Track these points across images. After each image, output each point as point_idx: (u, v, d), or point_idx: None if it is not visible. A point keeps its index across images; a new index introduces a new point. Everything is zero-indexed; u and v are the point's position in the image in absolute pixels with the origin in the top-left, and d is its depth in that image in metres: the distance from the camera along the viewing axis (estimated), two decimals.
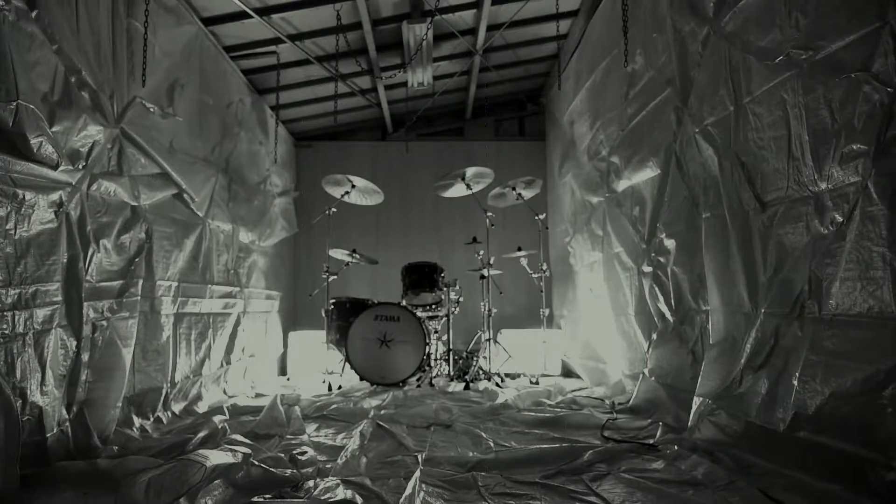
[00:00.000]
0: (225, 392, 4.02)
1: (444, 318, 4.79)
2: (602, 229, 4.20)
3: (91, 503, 1.81)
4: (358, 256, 4.92)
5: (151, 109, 3.04)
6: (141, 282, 2.86)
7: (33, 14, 2.10)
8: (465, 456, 2.25)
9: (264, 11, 4.02)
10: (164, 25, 3.25)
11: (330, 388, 4.31)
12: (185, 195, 3.43)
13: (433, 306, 4.78)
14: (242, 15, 3.94)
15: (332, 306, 4.82)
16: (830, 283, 1.85)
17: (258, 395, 4.03)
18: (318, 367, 5.11)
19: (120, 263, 2.73)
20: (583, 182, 4.71)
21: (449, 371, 4.64)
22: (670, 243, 3.07)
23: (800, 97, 2.00)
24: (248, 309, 4.62)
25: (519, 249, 4.86)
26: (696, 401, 2.48)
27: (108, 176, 2.63)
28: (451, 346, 4.69)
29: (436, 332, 4.88)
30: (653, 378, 3.20)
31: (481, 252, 4.80)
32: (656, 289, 3.21)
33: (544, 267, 4.81)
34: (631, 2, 3.36)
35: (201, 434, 2.55)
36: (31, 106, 2.05)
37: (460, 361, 4.87)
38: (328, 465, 2.12)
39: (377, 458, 2.27)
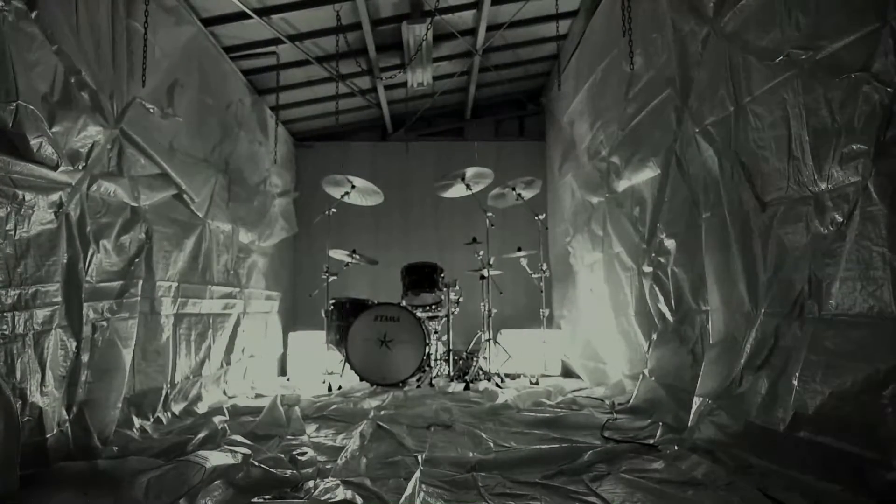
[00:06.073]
0: (225, 392, 4.01)
1: (444, 319, 4.79)
2: (602, 229, 4.20)
3: None
4: (358, 257, 4.92)
5: (151, 110, 3.04)
6: (141, 282, 2.86)
7: (33, 14, 2.10)
8: (465, 456, 2.25)
9: (264, 12, 4.02)
10: (164, 26, 3.25)
11: (330, 389, 4.31)
12: (185, 196, 3.43)
13: (433, 306, 4.77)
14: (242, 15, 3.94)
15: (332, 307, 4.81)
16: (830, 283, 1.85)
17: (258, 396, 4.03)
18: (318, 367, 5.11)
19: (120, 264, 2.73)
20: (583, 182, 4.71)
21: (449, 371, 4.63)
22: (670, 243, 3.07)
23: (800, 97, 2.00)
24: (248, 309, 4.62)
25: (519, 250, 4.86)
26: (696, 401, 2.48)
27: (108, 176, 2.63)
28: (451, 347, 4.68)
29: (436, 332, 4.88)
30: (653, 378, 3.20)
31: (481, 252, 4.80)
32: (656, 289, 3.21)
33: (544, 267, 4.81)
34: (631, 2, 3.36)
35: (201, 435, 2.54)
36: (31, 106, 2.05)
37: (460, 362, 4.87)
38: (328, 466, 2.12)
39: (377, 459, 2.26)
